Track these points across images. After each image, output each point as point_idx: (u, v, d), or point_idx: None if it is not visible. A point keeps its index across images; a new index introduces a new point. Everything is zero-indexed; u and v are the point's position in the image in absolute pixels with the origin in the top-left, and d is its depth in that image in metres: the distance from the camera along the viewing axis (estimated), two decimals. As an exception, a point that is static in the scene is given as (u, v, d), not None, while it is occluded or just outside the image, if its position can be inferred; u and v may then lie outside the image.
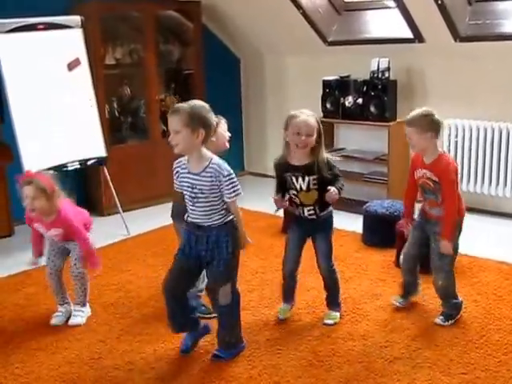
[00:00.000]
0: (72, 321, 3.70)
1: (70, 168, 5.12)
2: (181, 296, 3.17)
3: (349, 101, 5.80)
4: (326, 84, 5.95)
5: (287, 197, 3.49)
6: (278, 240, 4.52)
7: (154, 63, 6.09)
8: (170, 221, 5.73)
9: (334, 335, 3.44)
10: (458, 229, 3.54)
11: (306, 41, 6.28)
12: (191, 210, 3.10)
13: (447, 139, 5.52)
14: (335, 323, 3.58)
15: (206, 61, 6.43)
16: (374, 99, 5.63)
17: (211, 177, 2.99)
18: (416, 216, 3.69)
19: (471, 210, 5.58)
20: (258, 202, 5.39)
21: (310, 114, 3.39)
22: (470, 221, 5.28)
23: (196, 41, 6.38)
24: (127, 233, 5.35)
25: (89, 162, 5.24)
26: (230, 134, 3.61)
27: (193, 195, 3.04)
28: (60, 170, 5.04)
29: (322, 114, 6.01)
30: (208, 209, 3.05)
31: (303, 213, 3.49)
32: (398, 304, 3.73)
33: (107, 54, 5.98)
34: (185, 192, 3.09)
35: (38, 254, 3.75)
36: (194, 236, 3.11)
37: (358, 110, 5.75)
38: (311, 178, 3.39)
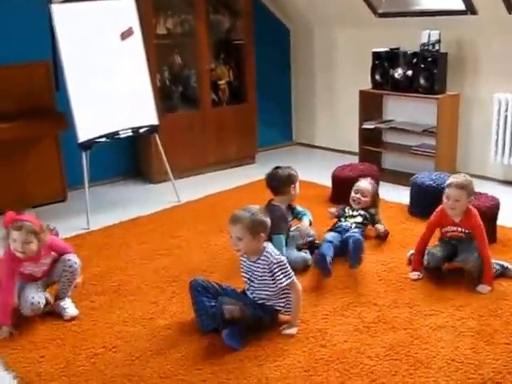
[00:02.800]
0: (70, 312, 3.53)
1: (122, 136, 5.22)
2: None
3: (398, 73, 5.78)
4: (376, 56, 5.93)
5: None
6: (326, 209, 4.57)
7: (204, 33, 6.15)
8: (219, 189, 5.82)
9: (380, 303, 3.50)
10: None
11: (357, 12, 6.26)
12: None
13: (496, 114, 5.46)
14: None
15: (255, 31, 6.45)
16: (424, 72, 5.59)
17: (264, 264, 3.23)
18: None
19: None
20: (307, 171, 5.46)
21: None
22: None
23: (246, 11, 6.39)
24: (178, 200, 5.46)
25: (141, 130, 5.32)
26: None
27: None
28: (112, 137, 5.18)
29: (371, 86, 6.02)
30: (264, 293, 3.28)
31: None
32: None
33: (159, 24, 6.06)
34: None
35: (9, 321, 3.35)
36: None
37: (407, 82, 5.72)
38: None
